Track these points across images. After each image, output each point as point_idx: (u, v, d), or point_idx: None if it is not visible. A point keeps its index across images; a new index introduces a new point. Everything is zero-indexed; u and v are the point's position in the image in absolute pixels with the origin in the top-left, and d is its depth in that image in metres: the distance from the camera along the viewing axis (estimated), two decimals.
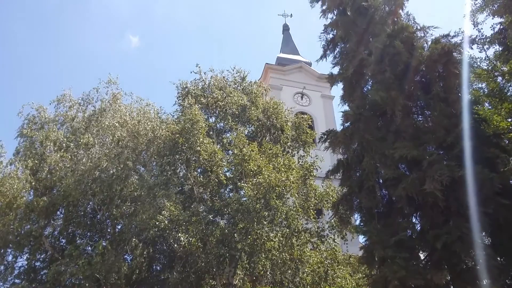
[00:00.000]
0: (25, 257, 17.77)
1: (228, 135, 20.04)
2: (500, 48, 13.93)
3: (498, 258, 7.94)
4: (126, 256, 16.71)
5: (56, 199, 17.51)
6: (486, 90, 14.82)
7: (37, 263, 17.95)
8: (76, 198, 16.96)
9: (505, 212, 7.94)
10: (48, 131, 19.32)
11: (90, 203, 18.06)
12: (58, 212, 18.38)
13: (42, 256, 18.03)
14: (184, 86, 20.88)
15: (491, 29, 13.79)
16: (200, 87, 20.97)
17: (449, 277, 8.27)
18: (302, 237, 15.71)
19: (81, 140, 18.76)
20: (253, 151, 16.31)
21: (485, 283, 8.13)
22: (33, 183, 17.64)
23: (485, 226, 8.12)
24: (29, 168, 17.60)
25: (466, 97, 10.10)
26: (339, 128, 11.53)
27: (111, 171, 17.37)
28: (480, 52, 15.08)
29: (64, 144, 19.21)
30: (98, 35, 74.14)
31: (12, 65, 64.74)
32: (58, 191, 17.87)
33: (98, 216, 17.98)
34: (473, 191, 8.24)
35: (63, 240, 18.23)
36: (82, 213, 17.96)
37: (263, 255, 14.57)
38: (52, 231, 18.08)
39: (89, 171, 17.26)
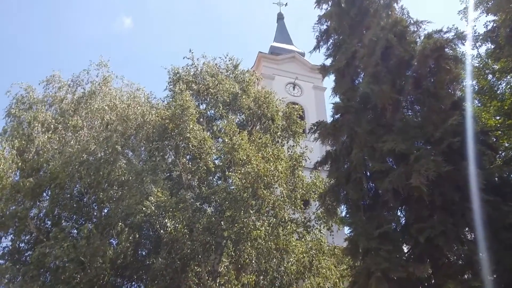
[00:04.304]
0: (9, 238, 17.61)
1: (218, 122, 20.02)
2: (492, 46, 13.97)
3: (480, 254, 8.03)
4: (111, 241, 16.62)
5: (43, 181, 17.34)
6: (476, 87, 14.87)
7: (22, 244, 17.76)
8: (63, 181, 16.82)
9: (489, 208, 8.03)
10: (36, 112, 19.06)
11: (77, 186, 17.90)
12: (44, 194, 18.19)
13: (27, 237, 17.85)
14: (176, 72, 20.74)
15: (484, 27, 13.83)
16: (192, 73, 20.85)
17: (430, 271, 8.37)
18: (288, 227, 15.77)
19: (70, 122, 18.59)
20: (242, 140, 16.29)
21: (466, 277, 8.27)
22: (20, 164, 17.42)
23: (468, 221, 8.22)
24: (16, 148, 17.36)
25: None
26: (329, 119, 11.53)
27: (99, 155, 17.23)
28: (472, 49, 15.13)
29: (52, 126, 18.98)
30: (90, 15, 73.03)
31: (1, 45, 63.75)
32: (45, 173, 17.71)
33: (85, 199, 17.87)
34: (458, 187, 8.33)
35: (49, 222, 18.06)
36: (69, 195, 17.79)
37: (249, 244, 14.64)
38: (38, 213, 17.88)
39: (76, 154, 17.09)
